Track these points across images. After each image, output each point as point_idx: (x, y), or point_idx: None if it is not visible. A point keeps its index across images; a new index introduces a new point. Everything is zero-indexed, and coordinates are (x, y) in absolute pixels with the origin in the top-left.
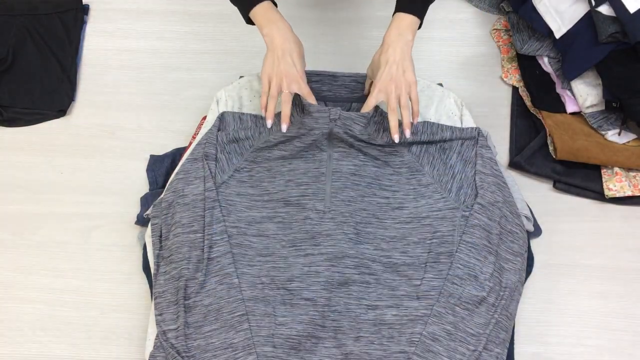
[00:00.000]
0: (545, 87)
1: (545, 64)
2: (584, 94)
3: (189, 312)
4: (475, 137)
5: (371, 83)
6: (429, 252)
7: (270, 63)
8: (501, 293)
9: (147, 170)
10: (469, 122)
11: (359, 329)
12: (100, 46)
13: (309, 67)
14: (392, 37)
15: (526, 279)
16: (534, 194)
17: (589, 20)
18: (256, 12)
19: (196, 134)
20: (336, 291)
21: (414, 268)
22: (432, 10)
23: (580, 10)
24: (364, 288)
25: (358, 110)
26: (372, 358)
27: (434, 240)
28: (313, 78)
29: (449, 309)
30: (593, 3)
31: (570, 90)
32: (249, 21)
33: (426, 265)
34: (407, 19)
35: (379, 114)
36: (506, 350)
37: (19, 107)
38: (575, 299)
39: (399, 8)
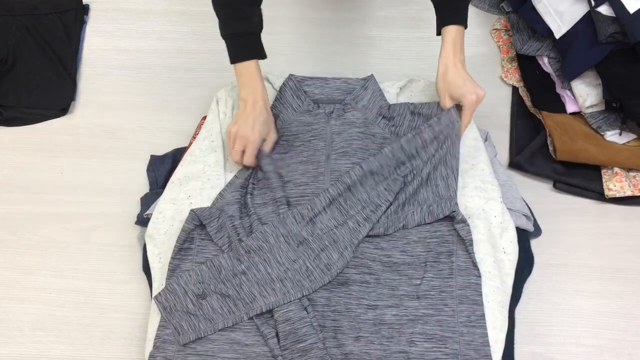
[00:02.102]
0: (545, 87)
1: (545, 64)
2: (584, 94)
3: None
4: (454, 125)
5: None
6: (429, 252)
7: (234, 122)
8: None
9: (147, 170)
10: (473, 127)
11: (358, 329)
12: (100, 46)
13: (308, 70)
14: (450, 58)
15: (526, 279)
16: (534, 194)
17: (589, 20)
18: (239, 70)
19: (196, 134)
20: (336, 291)
21: (414, 267)
22: (433, 12)
23: (580, 10)
24: (364, 288)
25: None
26: (372, 358)
27: (434, 240)
28: (306, 82)
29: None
30: (593, 3)
31: (570, 90)
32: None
33: (426, 265)
34: (457, 32)
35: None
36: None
37: (20, 107)
38: (576, 299)
39: (446, 21)
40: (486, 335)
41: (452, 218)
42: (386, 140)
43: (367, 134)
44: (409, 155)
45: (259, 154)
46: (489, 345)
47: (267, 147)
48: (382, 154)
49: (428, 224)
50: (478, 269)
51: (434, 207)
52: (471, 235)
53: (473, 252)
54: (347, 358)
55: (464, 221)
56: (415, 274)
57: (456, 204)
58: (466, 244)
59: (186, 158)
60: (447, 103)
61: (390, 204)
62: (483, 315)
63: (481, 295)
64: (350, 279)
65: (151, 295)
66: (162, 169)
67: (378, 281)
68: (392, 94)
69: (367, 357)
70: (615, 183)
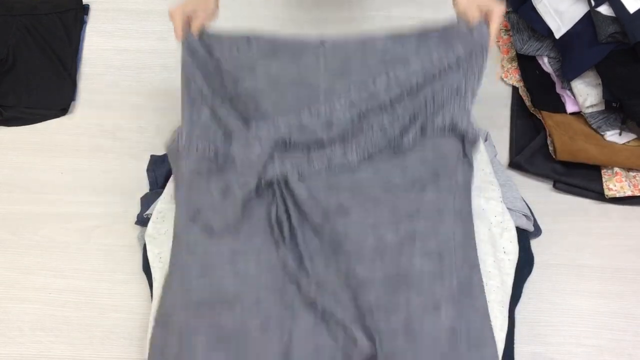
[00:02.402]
0: (545, 87)
1: (545, 64)
2: (584, 94)
3: None
4: (487, 38)
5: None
6: (429, 171)
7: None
8: None
9: (147, 170)
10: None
11: (359, 254)
12: (100, 46)
13: None
14: None
15: (526, 278)
16: (534, 194)
17: (589, 20)
18: None
19: None
20: (336, 221)
21: (414, 187)
22: (433, 11)
23: (580, 10)
24: (364, 213)
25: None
26: (375, 281)
27: (436, 159)
28: None
29: None
30: (593, 3)
31: (570, 90)
32: None
33: (426, 184)
34: None
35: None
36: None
37: (20, 107)
38: (575, 299)
39: None
40: (475, 250)
41: (462, 137)
42: (389, 53)
43: (366, 47)
44: (440, 68)
45: (185, 31)
46: (477, 259)
47: (194, 26)
48: (410, 63)
49: (430, 141)
50: (470, 190)
51: (458, 120)
52: (473, 159)
53: (473, 171)
54: (349, 285)
55: (473, 142)
56: (414, 194)
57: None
58: (471, 165)
59: None
60: (477, 14)
61: (411, 119)
62: (473, 232)
63: (471, 213)
64: (351, 209)
65: (151, 296)
66: (162, 169)
67: (377, 205)
68: None
69: (369, 282)
70: (615, 183)
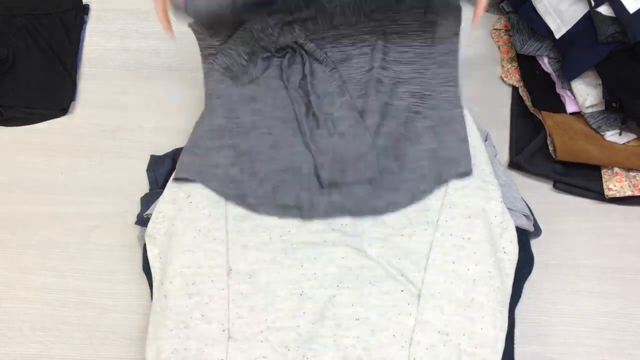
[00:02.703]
0: (545, 87)
1: (545, 64)
2: (584, 94)
3: None
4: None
5: None
6: (416, 21)
7: None
8: None
9: (147, 170)
10: (468, 122)
11: (359, 91)
12: (101, 46)
13: None
14: None
15: (526, 279)
16: (534, 194)
17: (589, 20)
18: None
19: None
20: (340, 66)
21: (402, 36)
22: None
23: (580, 10)
24: (363, 57)
25: None
26: (375, 110)
27: (421, 10)
28: None
29: None
30: (592, 3)
31: (570, 90)
32: None
33: (412, 32)
34: None
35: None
36: None
37: (20, 107)
38: (575, 299)
39: None
40: (458, 90)
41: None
42: None
43: None
44: None
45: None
46: (460, 99)
47: None
48: None
49: None
50: (459, 38)
51: None
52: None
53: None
54: (354, 110)
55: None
56: (403, 42)
57: None
58: (459, 17)
59: None
60: None
61: None
62: (457, 76)
63: (458, 58)
64: (351, 54)
65: (151, 296)
66: (162, 169)
67: (373, 50)
68: None
69: (368, 111)
70: (615, 183)
